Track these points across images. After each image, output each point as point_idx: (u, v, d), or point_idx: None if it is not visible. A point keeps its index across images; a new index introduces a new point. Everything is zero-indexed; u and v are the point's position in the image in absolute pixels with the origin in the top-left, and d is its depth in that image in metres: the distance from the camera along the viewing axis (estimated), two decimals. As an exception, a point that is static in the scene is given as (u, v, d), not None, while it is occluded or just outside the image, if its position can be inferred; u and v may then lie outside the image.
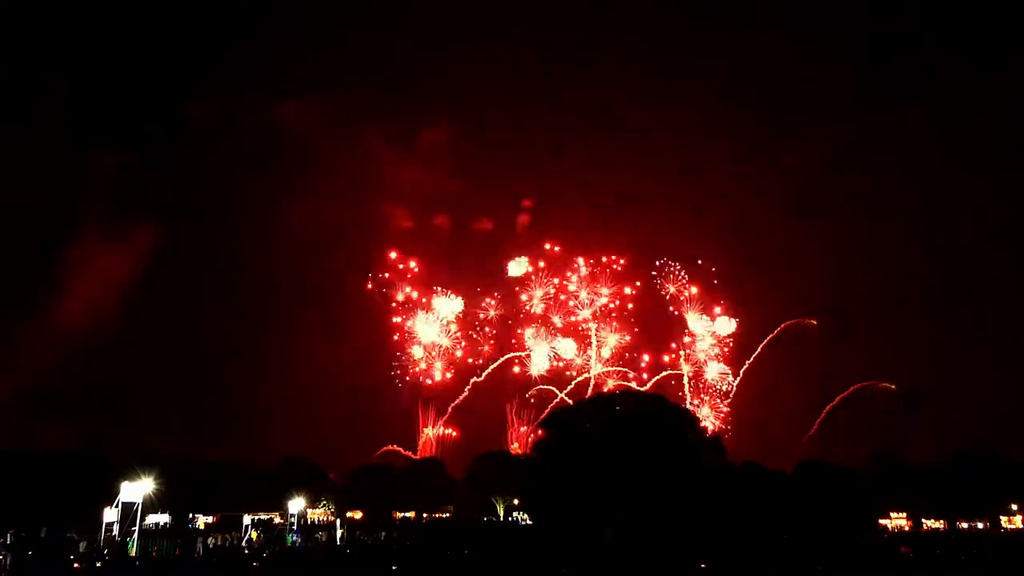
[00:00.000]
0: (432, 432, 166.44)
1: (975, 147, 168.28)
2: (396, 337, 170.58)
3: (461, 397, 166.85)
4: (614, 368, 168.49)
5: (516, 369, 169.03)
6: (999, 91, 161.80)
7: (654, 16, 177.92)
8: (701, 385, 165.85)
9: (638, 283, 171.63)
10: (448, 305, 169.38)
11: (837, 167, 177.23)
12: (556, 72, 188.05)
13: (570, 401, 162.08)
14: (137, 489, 57.81)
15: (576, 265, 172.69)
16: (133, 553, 57.40)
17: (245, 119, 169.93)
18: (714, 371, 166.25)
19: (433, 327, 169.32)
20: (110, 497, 57.17)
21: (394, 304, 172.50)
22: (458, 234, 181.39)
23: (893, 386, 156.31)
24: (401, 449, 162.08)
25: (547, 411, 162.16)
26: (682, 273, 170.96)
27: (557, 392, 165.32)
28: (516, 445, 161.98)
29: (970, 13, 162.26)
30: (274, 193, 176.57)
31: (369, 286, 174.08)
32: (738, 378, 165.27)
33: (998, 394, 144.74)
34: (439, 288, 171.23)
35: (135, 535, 59.21)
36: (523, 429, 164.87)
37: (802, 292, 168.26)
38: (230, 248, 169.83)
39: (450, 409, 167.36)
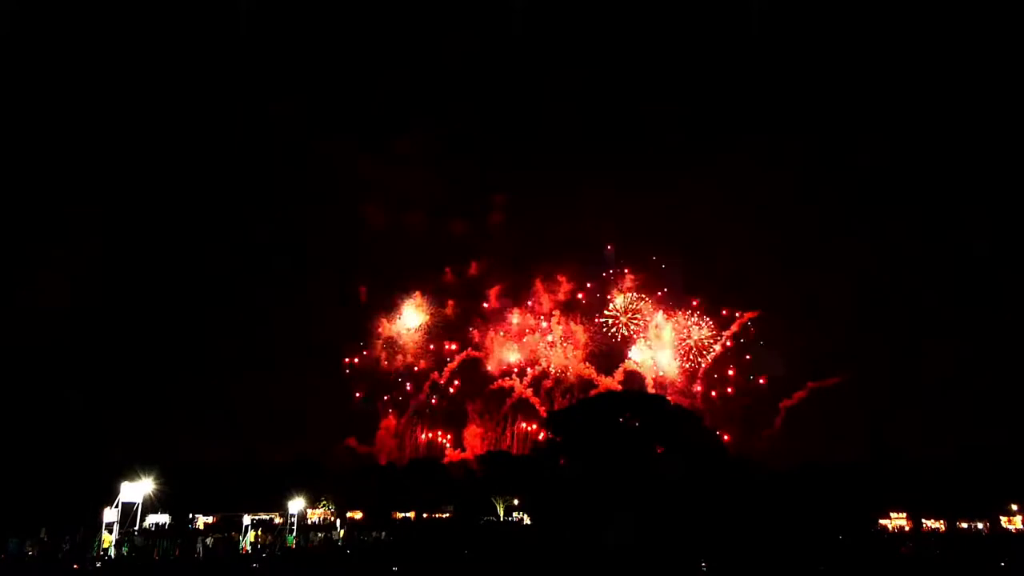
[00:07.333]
0: (392, 429, 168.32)
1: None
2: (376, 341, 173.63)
3: (422, 394, 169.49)
4: (581, 366, 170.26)
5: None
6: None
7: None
8: (667, 384, 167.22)
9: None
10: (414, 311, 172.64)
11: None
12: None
13: (531, 395, 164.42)
14: (137, 489, 57.60)
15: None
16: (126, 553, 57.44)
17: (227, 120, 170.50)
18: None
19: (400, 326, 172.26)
20: (110, 497, 57.01)
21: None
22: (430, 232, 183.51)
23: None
24: (358, 446, 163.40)
25: (507, 405, 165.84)
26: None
27: (517, 385, 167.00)
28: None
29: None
30: (264, 192, 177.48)
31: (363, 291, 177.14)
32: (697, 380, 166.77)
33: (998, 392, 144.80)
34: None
35: (134, 535, 59.21)
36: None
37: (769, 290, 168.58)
38: (227, 247, 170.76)
39: (411, 405, 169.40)
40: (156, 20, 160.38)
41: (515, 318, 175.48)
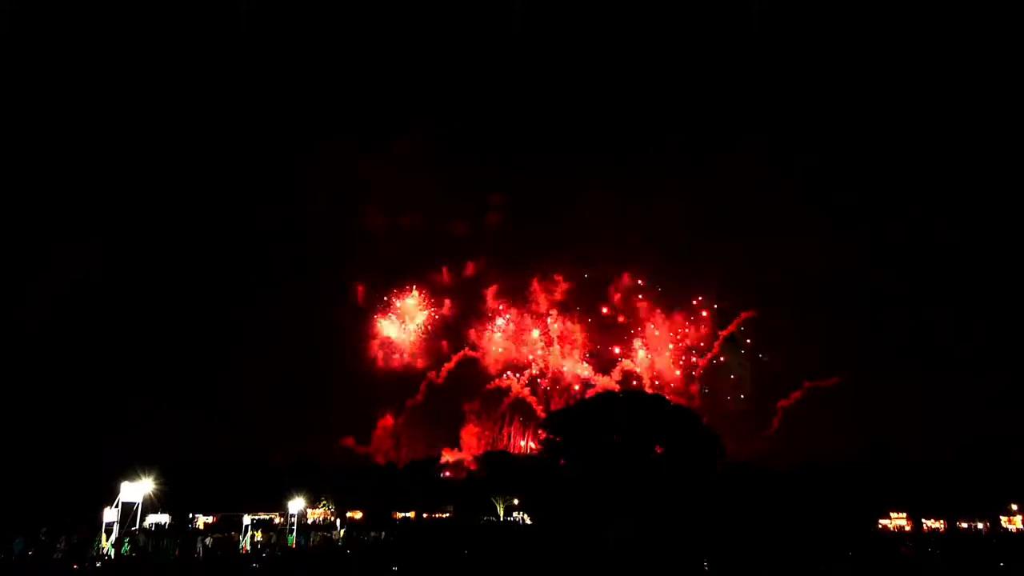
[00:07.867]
0: (389, 428, 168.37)
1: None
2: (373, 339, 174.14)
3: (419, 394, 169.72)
4: (578, 366, 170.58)
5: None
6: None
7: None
8: (664, 384, 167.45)
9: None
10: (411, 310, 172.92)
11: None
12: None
13: (528, 395, 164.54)
14: (137, 489, 57.70)
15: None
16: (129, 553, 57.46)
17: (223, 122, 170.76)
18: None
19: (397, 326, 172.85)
20: (110, 497, 57.06)
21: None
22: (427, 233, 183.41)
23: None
24: (355, 446, 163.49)
25: (504, 405, 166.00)
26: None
27: (514, 385, 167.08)
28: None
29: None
30: (264, 192, 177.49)
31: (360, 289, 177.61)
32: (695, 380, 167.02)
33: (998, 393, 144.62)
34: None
35: (136, 534, 59.32)
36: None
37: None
38: (227, 247, 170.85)
39: (408, 405, 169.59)
40: (157, 20, 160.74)
41: (512, 318, 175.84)
